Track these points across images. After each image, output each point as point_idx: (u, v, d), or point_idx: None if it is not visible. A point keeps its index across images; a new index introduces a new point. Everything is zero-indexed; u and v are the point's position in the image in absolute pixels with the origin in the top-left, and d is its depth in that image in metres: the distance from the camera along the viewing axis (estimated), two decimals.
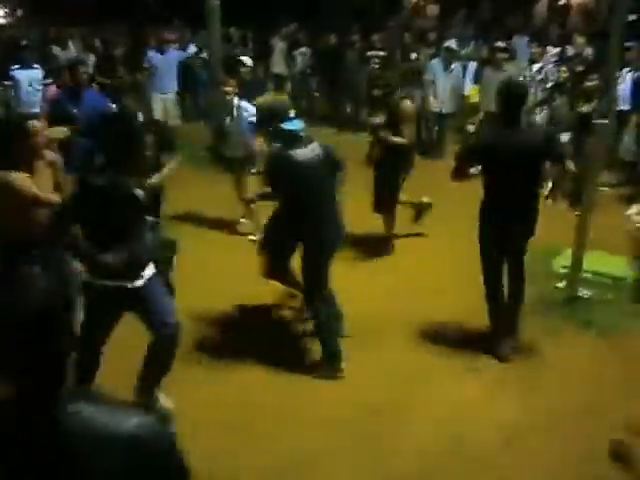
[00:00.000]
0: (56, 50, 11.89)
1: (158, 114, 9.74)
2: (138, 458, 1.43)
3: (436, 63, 10.18)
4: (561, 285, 5.78)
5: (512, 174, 4.46)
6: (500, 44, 9.38)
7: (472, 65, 10.83)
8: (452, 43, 10.13)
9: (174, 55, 10.33)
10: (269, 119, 4.55)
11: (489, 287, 4.82)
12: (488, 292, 4.82)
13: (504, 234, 4.66)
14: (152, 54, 10.00)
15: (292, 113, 4.72)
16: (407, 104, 6.37)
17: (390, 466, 3.75)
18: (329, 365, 4.61)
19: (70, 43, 12.71)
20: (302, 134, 4.57)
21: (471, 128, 9.51)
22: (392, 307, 5.49)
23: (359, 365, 4.63)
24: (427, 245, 6.85)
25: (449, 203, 7.02)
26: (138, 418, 1.46)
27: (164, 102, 9.92)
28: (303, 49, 13.07)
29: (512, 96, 4.49)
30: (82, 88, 6.55)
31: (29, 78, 8.64)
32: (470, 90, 10.55)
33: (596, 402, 4.29)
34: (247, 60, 8.30)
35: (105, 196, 3.65)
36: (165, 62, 10.00)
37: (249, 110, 6.44)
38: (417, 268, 6.28)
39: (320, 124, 11.46)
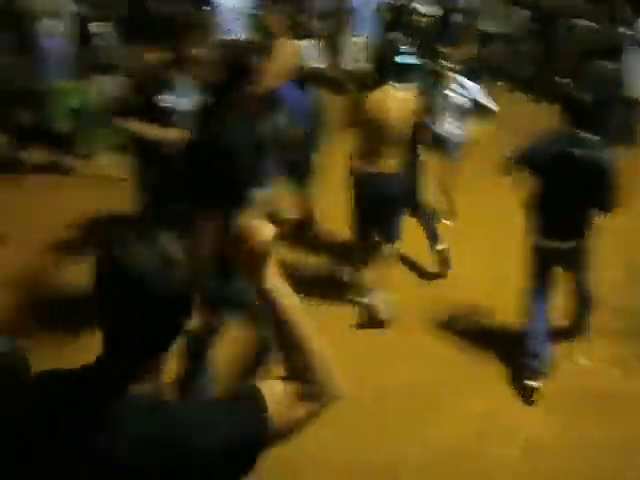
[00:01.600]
0: None
1: (350, 58, 9.87)
2: None
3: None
4: None
5: None
6: None
7: None
8: None
9: None
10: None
11: None
12: None
13: None
14: None
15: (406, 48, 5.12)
16: None
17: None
18: None
19: None
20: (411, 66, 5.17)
21: None
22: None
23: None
24: None
25: None
26: None
27: (356, 45, 9.98)
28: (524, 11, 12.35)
29: None
30: None
31: (231, 4, 8.92)
32: None
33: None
34: (421, 8, 7.89)
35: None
36: (364, 4, 10.06)
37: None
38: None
39: (524, 90, 10.93)
